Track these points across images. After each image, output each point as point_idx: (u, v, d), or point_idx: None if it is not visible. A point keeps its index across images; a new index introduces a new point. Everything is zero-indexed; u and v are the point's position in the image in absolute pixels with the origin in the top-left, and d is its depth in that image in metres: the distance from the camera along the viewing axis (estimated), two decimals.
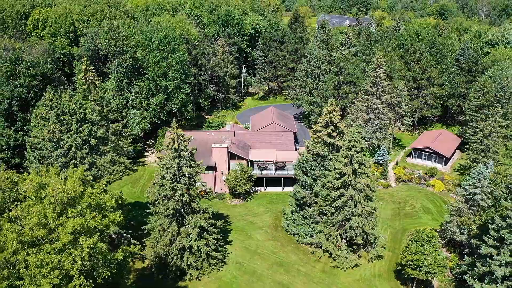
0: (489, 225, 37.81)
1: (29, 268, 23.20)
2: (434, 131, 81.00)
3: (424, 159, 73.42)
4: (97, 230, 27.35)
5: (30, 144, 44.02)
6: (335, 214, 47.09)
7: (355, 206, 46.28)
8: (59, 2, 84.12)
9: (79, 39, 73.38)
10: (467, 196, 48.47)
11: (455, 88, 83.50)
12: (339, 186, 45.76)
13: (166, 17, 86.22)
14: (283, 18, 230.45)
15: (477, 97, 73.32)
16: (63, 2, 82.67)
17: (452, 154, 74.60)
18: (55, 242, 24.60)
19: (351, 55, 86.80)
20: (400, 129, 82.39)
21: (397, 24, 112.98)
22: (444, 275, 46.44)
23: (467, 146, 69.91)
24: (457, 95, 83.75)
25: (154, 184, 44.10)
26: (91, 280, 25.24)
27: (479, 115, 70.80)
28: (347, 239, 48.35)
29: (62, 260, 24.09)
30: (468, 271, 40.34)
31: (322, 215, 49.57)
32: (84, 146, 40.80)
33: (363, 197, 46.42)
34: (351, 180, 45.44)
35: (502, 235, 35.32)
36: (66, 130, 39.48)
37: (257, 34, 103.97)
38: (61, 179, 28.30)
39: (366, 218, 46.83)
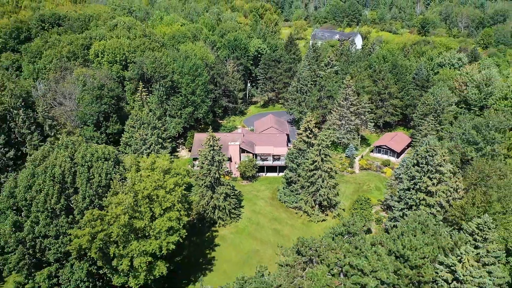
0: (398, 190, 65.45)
1: (159, 197, 50.32)
2: (393, 133, 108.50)
3: (383, 153, 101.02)
4: (180, 185, 54.72)
5: (123, 142, 71.35)
6: (310, 187, 74.61)
7: (323, 181, 73.77)
8: (109, 36, 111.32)
9: (128, 64, 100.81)
10: (396, 176, 76.04)
11: (411, 100, 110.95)
12: (312, 168, 73.20)
13: (190, 45, 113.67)
14: (282, 29, 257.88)
15: (422, 108, 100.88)
16: (111, 37, 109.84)
17: (403, 150, 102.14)
18: (165, 188, 51.80)
19: (333, 74, 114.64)
20: (369, 131, 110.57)
21: (372, 46, 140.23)
22: (380, 226, 74.13)
23: (412, 144, 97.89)
24: (413, 106, 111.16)
25: (198, 166, 71.49)
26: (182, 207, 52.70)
27: (422, 121, 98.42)
28: (318, 203, 75.90)
29: (169, 196, 51.24)
30: (387, 219, 67.94)
31: (302, 188, 77.05)
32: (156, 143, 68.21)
33: (327, 176, 73.90)
34: (320, 165, 72.92)
35: (400, 195, 62.92)
36: (146, 134, 66.73)
37: (259, 55, 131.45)
38: (160, 159, 55.67)
39: (330, 189, 74.33)
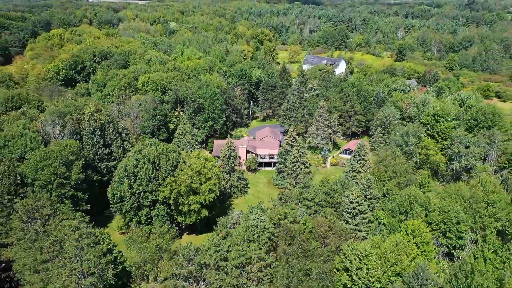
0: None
1: (204, 172, 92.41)
2: (357, 140, 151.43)
3: (348, 154, 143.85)
4: (214, 167, 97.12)
5: (175, 144, 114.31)
6: (292, 173, 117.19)
7: (300, 170, 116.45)
8: (147, 69, 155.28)
9: (166, 91, 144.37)
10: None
11: (371, 116, 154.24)
12: (294, 161, 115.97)
13: (208, 75, 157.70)
14: (279, 52, 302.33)
15: (376, 122, 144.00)
16: (150, 70, 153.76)
17: None
18: (206, 167, 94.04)
19: (314, 96, 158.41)
20: (341, 138, 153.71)
21: (346, 75, 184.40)
22: None
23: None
24: (372, 120, 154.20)
25: (220, 160, 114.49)
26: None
27: (375, 131, 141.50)
28: (297, 184, 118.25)
29: (209, 172, 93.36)
30: None
31: (288, 175, 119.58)
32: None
33: (303, 166, 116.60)
34: (298, 159, 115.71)
35: (346, 175, 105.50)
36: (189, 139, 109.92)
37: (259, 81, 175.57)
38: (202, 153, 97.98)
39: (305, 175, 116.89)
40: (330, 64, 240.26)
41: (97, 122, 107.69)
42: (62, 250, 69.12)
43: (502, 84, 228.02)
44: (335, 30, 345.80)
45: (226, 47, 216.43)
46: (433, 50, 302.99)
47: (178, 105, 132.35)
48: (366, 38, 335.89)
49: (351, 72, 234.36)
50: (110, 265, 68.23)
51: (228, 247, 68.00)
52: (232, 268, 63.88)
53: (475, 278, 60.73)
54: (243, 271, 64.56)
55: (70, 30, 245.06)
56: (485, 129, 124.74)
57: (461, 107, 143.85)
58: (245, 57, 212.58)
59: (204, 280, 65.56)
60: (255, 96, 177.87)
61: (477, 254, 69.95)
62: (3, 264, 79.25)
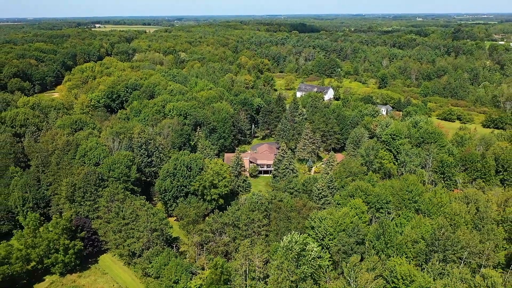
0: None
1: (221, 173, 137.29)
2: (336, 154, 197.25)
3: None
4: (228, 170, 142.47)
5: (199, 153, 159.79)
6: (283, 177, 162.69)
7: (289, 174, 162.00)
8: (170, 98, 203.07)
9: (187, 116, 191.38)
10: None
11: (347, 135, 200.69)
12: (284, 168, 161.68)
13: (218, 103, 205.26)
14: (277, 79, 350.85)
15: (349, 140, 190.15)
16: (172, 99, 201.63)
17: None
18: (223, 170, 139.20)
19: (303, 119, 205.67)
20: (324, 153, 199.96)
21: (329, 102, 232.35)
22: None
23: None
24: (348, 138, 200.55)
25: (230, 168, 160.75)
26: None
27: (349, 147, 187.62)
28: None
29: (224, 173, 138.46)
30: None
31: (280, 178, 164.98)
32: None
33: (291, 171, 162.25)
34: (287, 166, 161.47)
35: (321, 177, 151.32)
36: (209, 152, 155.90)
37: (259, 107, 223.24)
38: (219, 160, 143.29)
39: (293, 178, 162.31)
40: (320, 92, 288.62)
41: (142, 139, 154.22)
42: (137, 217, 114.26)
43: (465, 109, 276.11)
44: (327, 59, 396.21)
45: (232, 79, 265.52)
46: (412, 78, 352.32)
47: (198, 127, 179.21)
48: (355, 67, 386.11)
49: (337, 99, 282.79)
50: (166, 225, 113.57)
51: (240, 213, 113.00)
52: (242, 225, 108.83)
53: (386, 229, 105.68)
54: (249, 227, 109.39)
55: (99, 63, 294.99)
56: (428, 144, 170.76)
57: (414, 128, 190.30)
58: (247, 86, 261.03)
59: (225, 233, 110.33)
60: (256, 119, 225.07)
61: (396, 221, 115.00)
62: (93, 231, 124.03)
